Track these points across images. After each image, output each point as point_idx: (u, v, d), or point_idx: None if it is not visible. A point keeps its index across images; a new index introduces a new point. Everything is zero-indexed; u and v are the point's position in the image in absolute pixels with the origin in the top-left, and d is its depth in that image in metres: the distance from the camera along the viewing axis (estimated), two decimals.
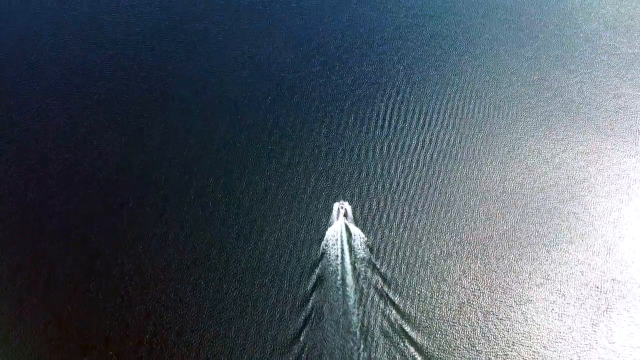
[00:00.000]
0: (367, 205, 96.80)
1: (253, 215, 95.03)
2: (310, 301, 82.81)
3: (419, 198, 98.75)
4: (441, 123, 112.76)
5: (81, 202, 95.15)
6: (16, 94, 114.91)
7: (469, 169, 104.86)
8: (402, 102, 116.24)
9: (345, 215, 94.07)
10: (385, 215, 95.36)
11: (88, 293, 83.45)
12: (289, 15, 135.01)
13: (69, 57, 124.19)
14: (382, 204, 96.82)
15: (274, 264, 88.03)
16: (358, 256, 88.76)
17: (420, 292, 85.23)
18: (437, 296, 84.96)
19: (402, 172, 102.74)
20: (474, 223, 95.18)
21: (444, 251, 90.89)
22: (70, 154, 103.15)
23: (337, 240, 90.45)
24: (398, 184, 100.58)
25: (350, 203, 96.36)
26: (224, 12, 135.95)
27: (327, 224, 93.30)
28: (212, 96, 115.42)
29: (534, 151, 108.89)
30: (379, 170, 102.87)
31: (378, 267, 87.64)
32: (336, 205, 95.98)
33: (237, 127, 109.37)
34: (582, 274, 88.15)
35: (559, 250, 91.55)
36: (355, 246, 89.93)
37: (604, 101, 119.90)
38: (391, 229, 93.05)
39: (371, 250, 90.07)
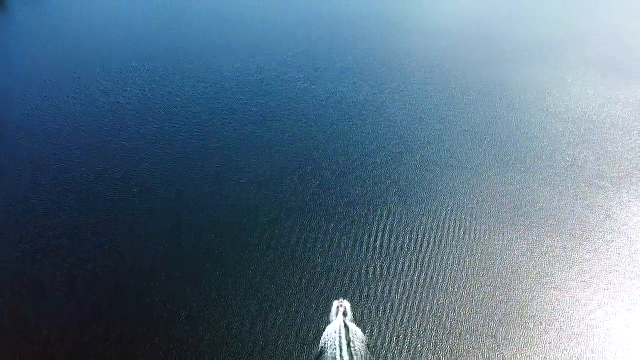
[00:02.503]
0: (367, 306, 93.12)
1: (251, 313, 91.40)
2: None
3: (419, 319, 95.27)
4: (437, 244, 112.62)
5: None
6: None
7: (468, 290, 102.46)
8: (397, 224, 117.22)
9: (345, 314, 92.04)
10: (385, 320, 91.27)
11: None
12: (287, 141, 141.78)
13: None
14: (381, 308, 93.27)
15: None
16: (357, 356, 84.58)
17: None
18: None
19: (401, 294, 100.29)
20: (478, 344, 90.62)
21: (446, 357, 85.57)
22: None
23: (335, 339, 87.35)
24: (397, 306, 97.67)
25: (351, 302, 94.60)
26: (228, 139, 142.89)
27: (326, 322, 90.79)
28: (209, 215, 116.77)
29: (532, 272, 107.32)
30: (374, 292, 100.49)
31: None
32: (335, 304, 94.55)
33: (233, 246, 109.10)
34: None
35: None
36: (355, 346, 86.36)
37: (597, 223, 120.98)
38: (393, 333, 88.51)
39: (371, 351, 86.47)
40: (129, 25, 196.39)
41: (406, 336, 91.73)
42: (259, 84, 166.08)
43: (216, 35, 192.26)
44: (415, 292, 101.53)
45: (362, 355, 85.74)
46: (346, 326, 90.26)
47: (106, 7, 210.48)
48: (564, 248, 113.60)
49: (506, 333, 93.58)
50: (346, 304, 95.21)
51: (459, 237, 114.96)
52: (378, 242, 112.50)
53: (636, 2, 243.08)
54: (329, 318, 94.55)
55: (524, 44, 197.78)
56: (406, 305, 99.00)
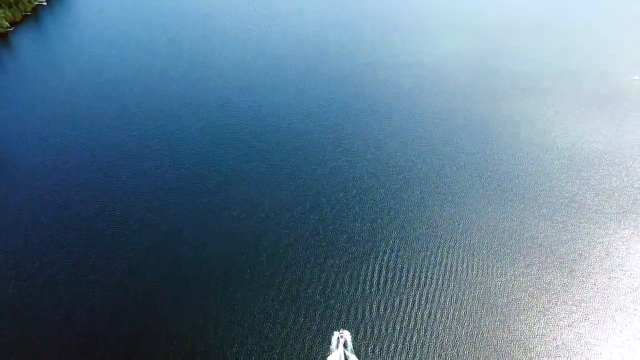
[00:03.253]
0: (368, 338, 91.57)
1: (251, 350, 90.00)
2: None
3: (420, 353, 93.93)
4: (435, 281, 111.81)
5: None
6: None
7: (468, 327, 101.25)
8: (395, 261, 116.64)
9: (345, 345, 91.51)
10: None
11: None
12: (286, 177, 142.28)
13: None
14: (382, 341, 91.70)
15: None
16: None
17: None
18: None
19: (401, 329, 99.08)
20: None
21: None
22: None
23: None
24: (398, 341, 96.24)
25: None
26: (228, 175, 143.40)
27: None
28: (208, 251, 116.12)
29: (534, 309, 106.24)
30: (374, 328, 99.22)
31: None
32: (336, 334, 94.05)
33: (232, 283, 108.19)
34: None
35: None
36: None
37: (598, 258, 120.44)
38: None
39: None
40: (131, 63, 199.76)
41: None
42: (258, 121, 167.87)
43: (215, 73, 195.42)
44: (416, 328, 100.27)
45: None
46: (346, 357, 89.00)
47: (110, 45, 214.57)
48: (565, 285, 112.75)
49: None
50: (346, 334, 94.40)
51: (458, 273, 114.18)
52: (378, 279, 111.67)
53: (624, 38, 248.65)
54: (329, 349, 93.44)
55: (518, 80, 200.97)
56: (406, 340, 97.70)
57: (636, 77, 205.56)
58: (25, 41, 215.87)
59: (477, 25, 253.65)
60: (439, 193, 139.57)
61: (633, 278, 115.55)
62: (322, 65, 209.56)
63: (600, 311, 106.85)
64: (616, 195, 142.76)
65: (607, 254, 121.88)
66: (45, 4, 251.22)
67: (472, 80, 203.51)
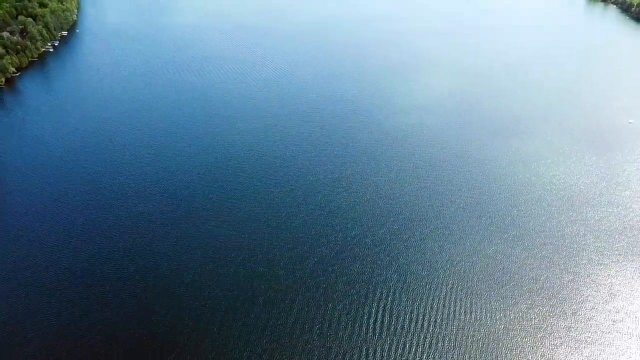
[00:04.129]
0: None
1: None
2: None
3: None
4: (437, 324, 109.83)
5: None
6: None
7: None
8: (395, 304, 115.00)
9: None
10: None
11: None
12: (284, 218, 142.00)
13: None
14: None
15: None
16: None
17: None
18: None
19: None
20: None
21: None
22: None
23: None
24: None
25: None
26: (227, 218, 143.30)
27: None
28: (207, 294, 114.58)
29: (537, 354, 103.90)
30: None
31: None
32: None
33: (228, 327, 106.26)
34: None
35: None
36: None
37: (601, 301, 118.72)
38: None
39: None
40: (134, 105, 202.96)
41: None
42: (256, 163, 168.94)
43: (214, 116, 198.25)
44: None
45: None
46: None
47: (113, 87, 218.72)
48: (569, 328, 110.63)
49: None
50: None
51: (459, 316, 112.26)
52: (377, 322, 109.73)
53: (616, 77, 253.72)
54: None
55: (512, 120, 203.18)
56: None
57: (631, 121, 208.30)
58: (30, 86, 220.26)
59: (470, 66, 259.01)
60: (439, 234, 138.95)
61: (637, 321, 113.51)
62: (319, 110, 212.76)
63: (605, 355, 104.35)
64: (616, 236, 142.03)
65: (611, 296, 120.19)
66: (51, 50, 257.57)
67: (467, 121, 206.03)
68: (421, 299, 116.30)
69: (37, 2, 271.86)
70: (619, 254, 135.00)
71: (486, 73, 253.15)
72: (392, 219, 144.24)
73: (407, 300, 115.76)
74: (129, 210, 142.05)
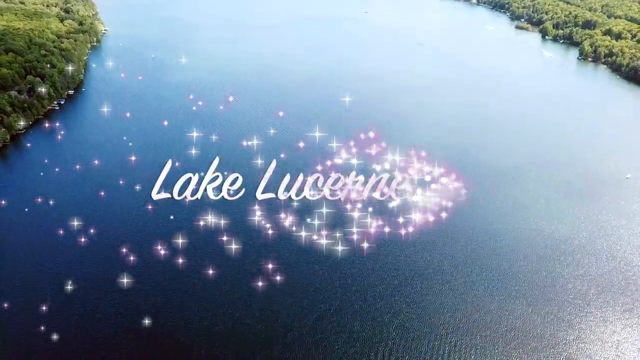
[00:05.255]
0: None
1: None
2: None
3: None
4: None
5: None
6: None
7: None
8: None
9: None
10: None
11: None
12: (285, 273, 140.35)
13: None
14: None
15: None
16: None
17: None
18: None
19: None
20: None
21: None
22: None
23: None
24: None
25: None
26: (229, 276, 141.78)
27: None
28: (201, 355, 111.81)
29: None
30: None
31: None
32: None
33: None
34: None
35: None
36: None
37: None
38: None
39: None
40: (137, 167, 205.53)
41: None
42: (253, 225, 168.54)
43: None
44: None
45: None
46: None
47: (115, 144, 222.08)
48: None
49: None
50: None
51: None
52: None
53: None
54: None
55: (513, 172, 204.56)
56: None
57: (628, 176, 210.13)
58: (34, 143, 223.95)
59: (464, 119, 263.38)
60: (439, 290, 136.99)
61: None
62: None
63: None
64: (620, 291, 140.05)
65: (617, 356, 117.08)
66: (57, 108, 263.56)
67: (463, 170, 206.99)
68: (422, 358, 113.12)
69: (46, 63, 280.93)
70: (623, 310, 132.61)
71: (484, 127, 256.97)
72: (392, 274, 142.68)
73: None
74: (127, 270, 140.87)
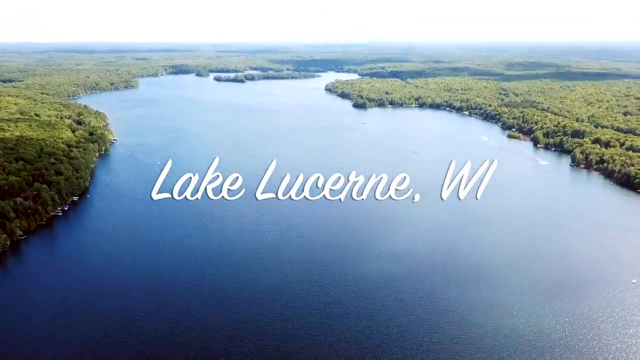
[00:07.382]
0: None
1: None
2: None
3: None
4: None
5: None
6: None
7: None
8: None
9: None
10: None
11: None
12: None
13: None
14: None
15: None
16: None
17: None
18: None
19: None
20: None
21: None
22: None
23: None
24: None
25: None
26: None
27: None
28: None
29: None
30: None
31: None
32: None
33: None
34: None
35: None
36: None
37: None
38: None
39: None
40: (134, 268, 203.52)
41: None
42: (250, 318, 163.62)
43: (222, 283, 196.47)
44: None
45: None
46: None
47: (116, 250, 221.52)
48: None
49: None
50: None
51: None
52: None
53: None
54: None
55: (498, 266, 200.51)
56: None
57: (634, 281, 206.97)
58: (34, 249, 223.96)
59: (457, 217, 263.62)
60: None
61: None
62: (301, 269, 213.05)
63: None
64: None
65: None
66: (61, 214, 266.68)
67: (438, 268, 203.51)
68: None
69: (54, 171, 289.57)
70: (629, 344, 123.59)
71: (472, 224, 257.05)
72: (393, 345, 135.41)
73: None
74: None
